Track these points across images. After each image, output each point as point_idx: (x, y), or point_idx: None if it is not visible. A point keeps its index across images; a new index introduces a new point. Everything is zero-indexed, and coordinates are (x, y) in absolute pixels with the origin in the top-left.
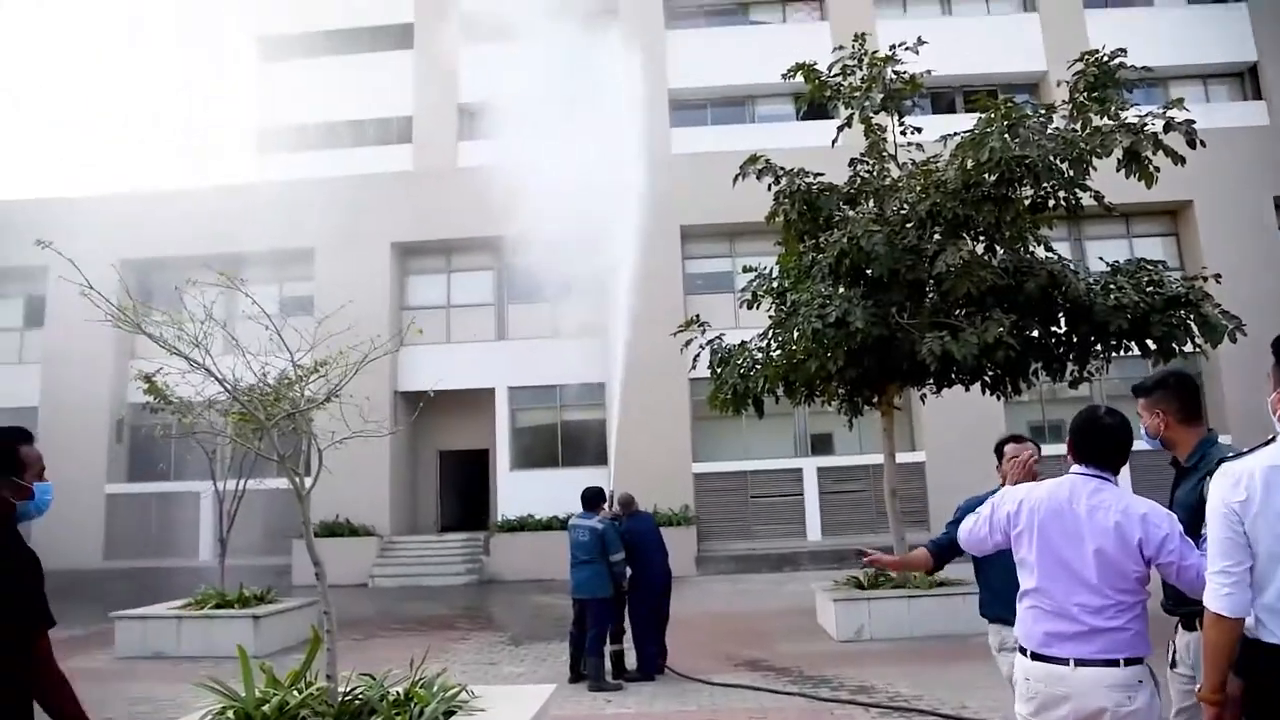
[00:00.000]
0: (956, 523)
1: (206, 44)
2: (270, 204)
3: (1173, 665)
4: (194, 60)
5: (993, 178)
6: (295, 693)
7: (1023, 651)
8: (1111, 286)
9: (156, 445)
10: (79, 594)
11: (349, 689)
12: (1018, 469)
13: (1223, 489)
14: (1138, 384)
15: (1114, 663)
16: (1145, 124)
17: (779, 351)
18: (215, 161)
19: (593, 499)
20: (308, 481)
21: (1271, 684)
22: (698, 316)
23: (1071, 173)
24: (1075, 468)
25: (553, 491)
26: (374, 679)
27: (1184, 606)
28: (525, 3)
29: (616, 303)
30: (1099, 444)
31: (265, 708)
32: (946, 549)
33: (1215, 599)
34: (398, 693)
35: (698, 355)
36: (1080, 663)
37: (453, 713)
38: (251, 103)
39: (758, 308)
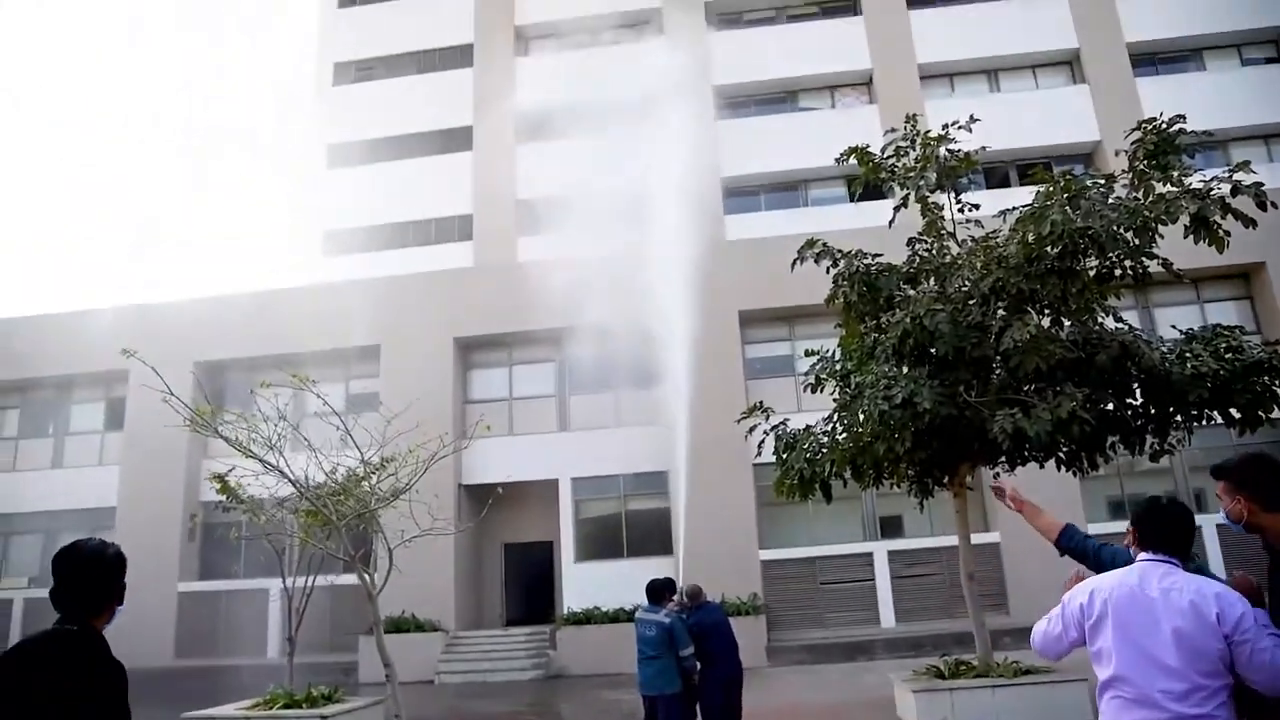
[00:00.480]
0: (1106, 546)
1: (278, 152)
2: (337, 304)
3: None
4: (266, 167)
5: (1055, 250)
6: None
7: None
8: (1188, 355)
9: (227, 543)
10: (151, 693)
11: None
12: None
13: None
14: (1217, 465)
15: None
16: (1211, 188)
17: (845, 434)
18: (285, 264)
19: (659, 591)
20: (378, 579)
21: None
22: (761, 403)
23: (1137, 241)
24: (1142, 555)
25: (618, 583)
26: None
27: None
28: (579, 100)
29: (677, 390)
30: (1163, 530)
31: None
32: (1079, 548)
33: None
34: None
35: (762, 441)
36: None
37: None
38: (320, 206)
39: (821, 391)
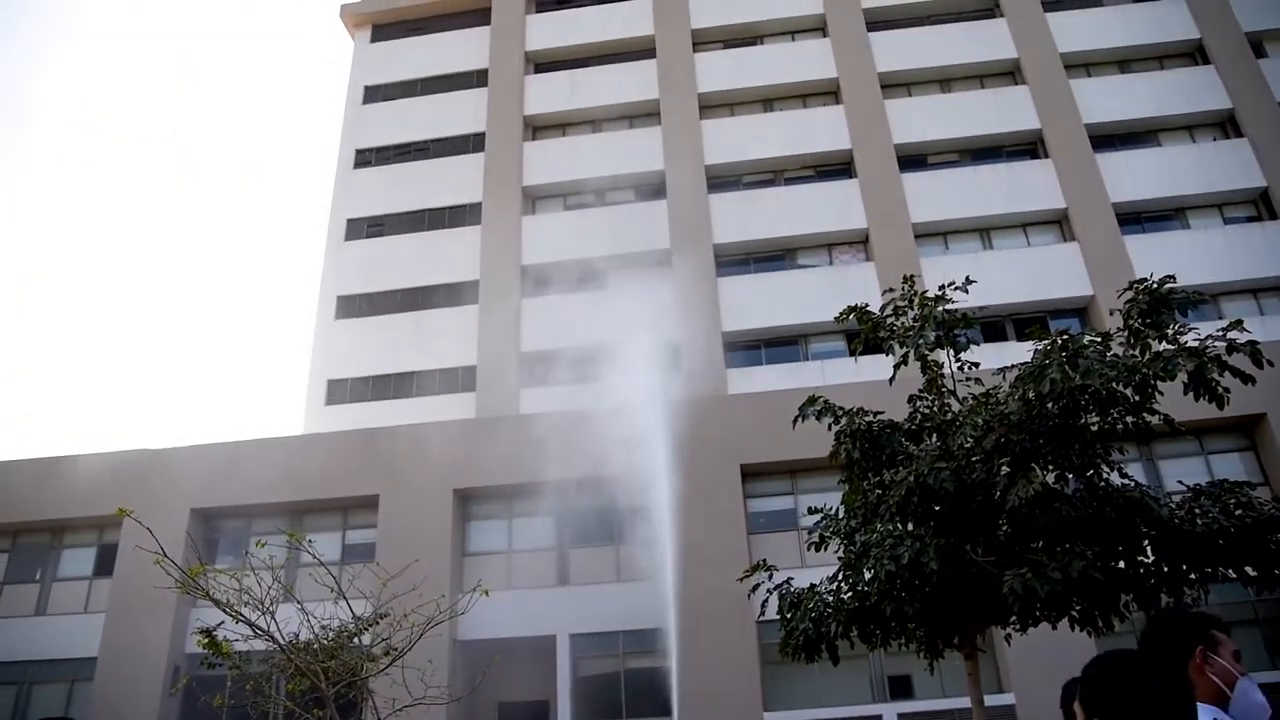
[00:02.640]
0: None
1: (288, 303)
2: (337, 453)
3: None
4: (276, 318)
5: (1056, 408)
6: None
7: None
8: (1197, 511)
9: (211, 706)
10: None
11: None
12: None
13: None
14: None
15: None
16: (1207, 347)
17: (850, 594)
18: (287, 412)
19: None
20: None
21: None
22: (764, 561)
23: (1137, 398)
24: None
25: None
26: None
27: None
28: (584, 257)
29: (679, 545)
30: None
31: None
32: None
33: None
34: None
35: (766, 600)
36: None
37: None
38: (326, 356)
39: (826, 549)
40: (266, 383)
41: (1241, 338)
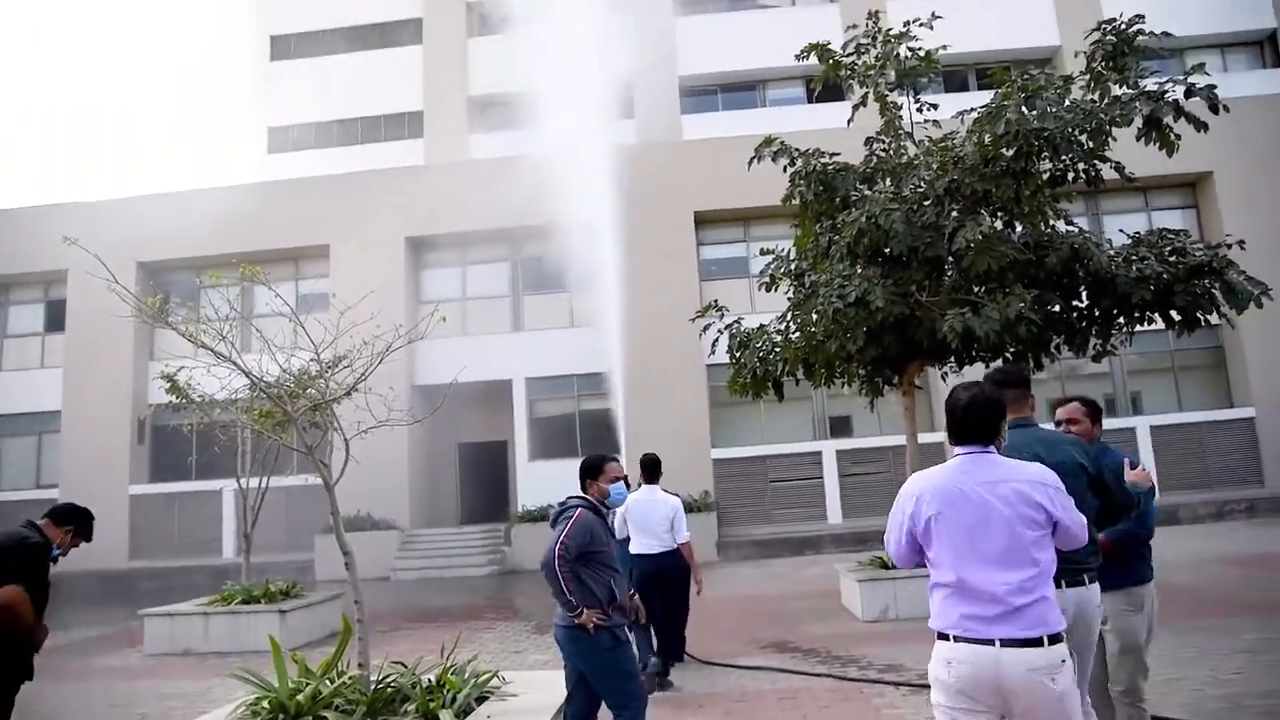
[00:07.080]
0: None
1: (218, 45)
2: (283, 202)
3: None
4: (205, 61)
5: (1010, 151)
6: (328, 681)
7: None
8: (1134, 258)
9: (178, 445)
10: (107, 594)
11: (381, 677)
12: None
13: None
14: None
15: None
16: (1165, 91)
17: (798, 333)
18: (228, 161)
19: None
20: (334, 470)
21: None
22: (716, 301)
23: (1091, 144)
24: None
25: (572, 481)
26: (406, 667)
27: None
28: None
29: (631, 291)
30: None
31: (299, 697)
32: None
33: None
34: (430, 680)
35: (716, 340)
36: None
37: (485, 698)
38: (263, 102)
39: (776, 290)
40: (201, 133)
41: (1201, 81)
